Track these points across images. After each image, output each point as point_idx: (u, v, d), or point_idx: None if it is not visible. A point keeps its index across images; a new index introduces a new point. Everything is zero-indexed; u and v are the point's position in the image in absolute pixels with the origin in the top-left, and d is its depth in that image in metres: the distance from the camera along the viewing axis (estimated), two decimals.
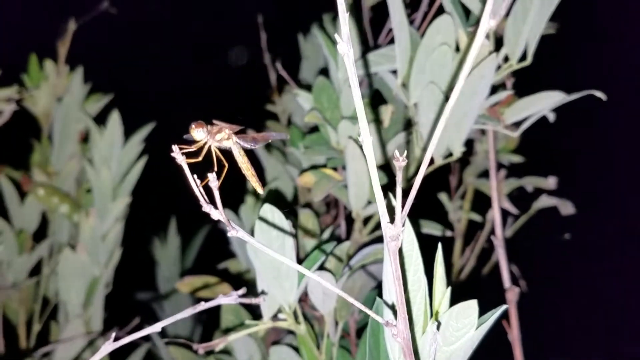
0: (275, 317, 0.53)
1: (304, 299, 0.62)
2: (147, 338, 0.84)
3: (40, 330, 0.89)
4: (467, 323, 0.39)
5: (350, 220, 0.72)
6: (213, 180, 0.30)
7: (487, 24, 0.29)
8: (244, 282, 0.83)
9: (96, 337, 0.82)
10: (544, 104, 0.61)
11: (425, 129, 0.61)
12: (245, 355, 0.66)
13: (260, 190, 0.40)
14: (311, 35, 0.94)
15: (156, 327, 0.45)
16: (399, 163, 0.30)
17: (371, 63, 0.65)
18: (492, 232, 0.77)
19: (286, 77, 0.84)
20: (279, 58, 0.96)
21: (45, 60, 0.95)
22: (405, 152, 0.64)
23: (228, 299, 0.45)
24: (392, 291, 0.32)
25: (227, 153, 0.38)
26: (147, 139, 0.90)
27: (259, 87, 0.96)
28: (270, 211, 0.48)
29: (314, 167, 0.65)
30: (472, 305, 0.39)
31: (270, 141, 0.39)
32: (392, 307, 0.38)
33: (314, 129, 0.70)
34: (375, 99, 0.70)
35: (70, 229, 0.93)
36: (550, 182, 0.80)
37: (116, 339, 0.84)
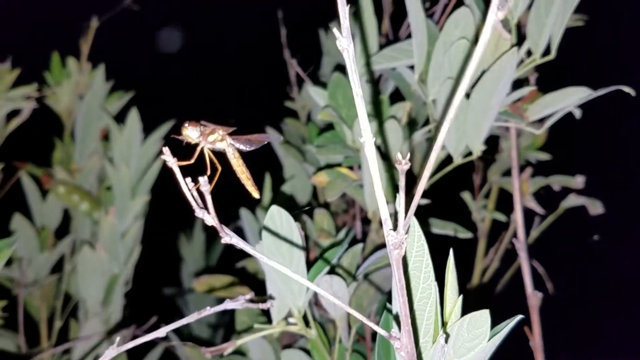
0: (285, 321, 0.51)
1: (316, 301, 0.61)
2: (165, 337, 0.84)
3: (62, 327, 0.90)
4: (479, 334, 0.37)
5: (367, 220, 0.70)
6: (205, 185, 0.28)
7: (495, 15, 0.27)
8: (260, 281, 0.82)
9: (114, 335, 0.82)
10: (569, 100, 0.58)
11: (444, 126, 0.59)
12: (259, 356, 0.64)
13: (256, 195, 0.39)
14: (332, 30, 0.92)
15: (161, 332, 0.44)
16: (402, 166, 0.28)
17: (388, 58, 0.63)
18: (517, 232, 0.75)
19: (301, 73, 0.82)
20: (299, 54, 0.94)
21: (68, 58, 0.95)
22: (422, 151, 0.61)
23: (235, 303, 0.44)
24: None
25: (222, 155, 0.37)
26: (166, 136, 0.90)
27: (279, 83, 0.94)
28: (277, 214, 0.47)
29: (329, 166, 0.64)
30: (484, 315, 0.37)
31: (265, 142, 0.38)
32: (398, 318, 0.36)
33: (330, 127, 0.69)
34: (395, 95, 0.68)
35: (93, 227, 0.93)
36: (579, 180, 0.77)
37: (133, 337, 0.84)
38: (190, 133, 0.34)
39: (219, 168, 0.36)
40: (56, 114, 0.96)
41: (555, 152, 0.79)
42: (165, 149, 0.29)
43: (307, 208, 0.74)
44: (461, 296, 0.40)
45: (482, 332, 0.38)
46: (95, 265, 0.85)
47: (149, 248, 0.92)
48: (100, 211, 0.88)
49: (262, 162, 0.95)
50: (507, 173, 0.82)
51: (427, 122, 0.65)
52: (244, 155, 0.38)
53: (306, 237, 0.66)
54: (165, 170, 0.90)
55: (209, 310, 0.44)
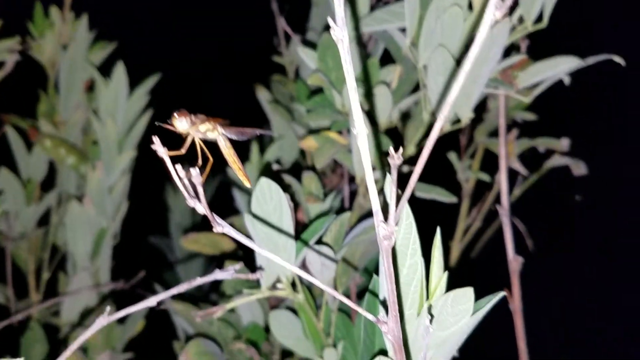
0: (273, 286, 0.53)
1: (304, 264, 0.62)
2: (153, 292, 0.86)
3: (50, 279, 0.91)
4: (463, 310, 0.39)
5: (354, 179, 0.71)
6: (197, 177, 0.28)
7: (492, 15, 0.27)
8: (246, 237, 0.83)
9: (103, 288, 0.84)
10: (559, 68, 0.58)
11: (434, 93, 0.59)
12: (249, 316, 0.66)
13: (247, 184, 0.39)
14: None
15: (151, 302, 0.45)
16: (394, 161, 0.28)
17: (379, 20, 0.62)
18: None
19: (289, 31, 0.81)
20: (287, 4, 0.92)
21: (51, 8, 0.93)
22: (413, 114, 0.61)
23: (225, 274, 0.45)
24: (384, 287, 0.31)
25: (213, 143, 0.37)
26: (152, 90, 0.89)
27: (266, 37, 0.93)
28: (267, 186, 0.47)
29: (316, 131, 0.64)
30: (468, 293, 0.39)
31: (257, 134, 0.37)
32: (384, 303, 0.37)
33: (320, 88, 0.68)
34: (384, 57, 0.68)
35: (78, 179, 0.93)
36: (563, 143, 0.77)
37: (121, 292, 0.86)
38: (180, 123, 0.33)
39: (211, 159, 0.36)
40: (40, 66, 0.94)
41: (542, 113, 0.80)
42: (155, 138, 0.29)
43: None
44: (446, 272, 0.42)
45: (466, 308, 0.39)
46: (83, 220, 0.85)
47: (136, 199, 0.92)
48: (87, 165, 0.88)
49: (250, 120, 0.94)
50: (494, 133, 0.82)
51: (417, 86, 0.65)
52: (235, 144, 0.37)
53: (294, 201, 0.67)
54: (152, 123, 0.90)
55: (199, 280, 0.45)
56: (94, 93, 0.93)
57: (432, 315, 0.40)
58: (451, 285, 0.42)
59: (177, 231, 1.18)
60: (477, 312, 0.40)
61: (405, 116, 0.66)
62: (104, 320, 0.45)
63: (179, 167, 0.29)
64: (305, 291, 0.54)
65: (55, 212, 0.93)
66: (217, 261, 0.84)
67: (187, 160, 0.37)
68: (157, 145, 0.29)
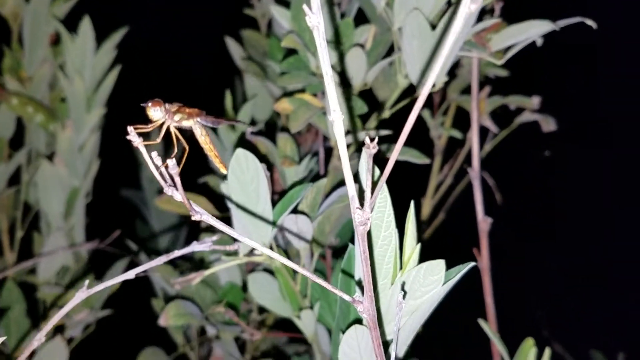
0: (251, 252, 0.54)
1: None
2: (129, 251, 0.86)
3: (24, 237, 0.90)
4: (434, 280, 0.40)
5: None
6: (173, 168, 0.29)
7: (468, 8, 0.27)
8: (221, 196, 0.83)
9: (78, 248, 0.84)
10: (532, 32, 0.58)
11: (409, 56, 0.59)
12: (226, 276, 0.67)
13: (223, 171, 0.39)
14: None
15: (130, 275, 0.45)
16: (370, 150, 0.29)
17: None
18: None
19: None
20: None
21: None
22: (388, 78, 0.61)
23: (202, 246, 0.45)
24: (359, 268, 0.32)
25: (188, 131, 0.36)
26: (119, 45, 0.87)
27: None
28: (244, 157, 0.47)
29: (291, 93, 0.63)
30: (439, 264, 0.40)
31: (234, 122, 0.37)
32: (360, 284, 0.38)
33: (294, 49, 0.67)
34: (359, 16, 0.67)
35: (47, 136, 0.91)
36: (534, 101, 0.78)
37: (97, 251, 0.85)
38: (154, 113, 0.33)
39: (187, 147, 0.36)
40: (3, 19, 0.90)
41: (514, 69, 0.80)
42: (130, 129, 0.29)
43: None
44: (419, 245, 0.43)
45: (437, 279, 0.40)
46: (55, 180, 0.84)
47: (105, 153, 0.91)
48: (56, 123, 0.86)
49: (224, 78, 0.93)
50: (467, 90, 0.83)
51: (391, 47, 0.64)
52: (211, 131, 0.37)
53: (269, 163, 0.67)
54: (121, 78, 0.88)
55: (177, 253, 0.45)
56: (59, 47, 0.90)
57: (405, 286, 0.42)
58: (423, 244, 0.44)
59: (149, 184, 1.17)
60: (447, 282, 0.41)
61: (380, 77, 0.66)
62: (83, 294, 0.45)
63: (155, 155, 0.29)
64: (282, 255, 0.55)
65: (26, 170, 0.92)
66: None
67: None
68: (133, 136, 0.29)
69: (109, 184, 0.98)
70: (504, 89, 0.83)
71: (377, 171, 0.40)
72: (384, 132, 0.63)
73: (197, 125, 0.36)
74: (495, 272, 0.64)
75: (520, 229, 1.17)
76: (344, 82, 0.63)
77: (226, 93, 0.76)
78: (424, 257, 0.87)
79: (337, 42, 0.63)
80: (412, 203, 0.42)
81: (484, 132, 0.82)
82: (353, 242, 0.45)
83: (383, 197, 0.41)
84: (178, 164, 0.29)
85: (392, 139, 0.64)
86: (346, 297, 0.32)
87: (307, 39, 0.62)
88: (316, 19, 0.28)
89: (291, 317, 0.59)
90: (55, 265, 0.83)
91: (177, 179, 0.29)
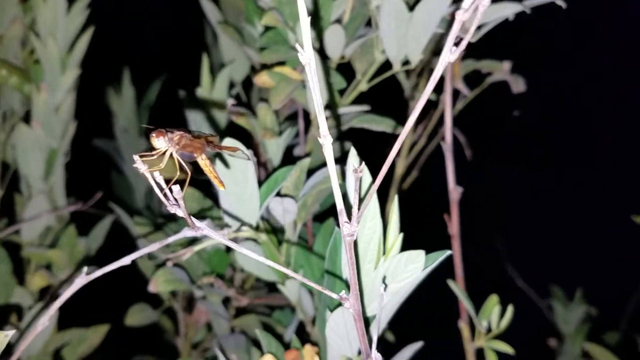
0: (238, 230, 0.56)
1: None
2: (111, 210, 0.88)
3: (5, 198, 0.91)
4: (415, 268, 0.44)
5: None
6: (178, 193, 0.31)
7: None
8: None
9: (61, 211, 0.85)
10: (504, 12, 0.60)
11: (386, 34, 0.60)
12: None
13: (222, 188, 0.41)
14: None
15: (126, 261, 0.47)
16: (357, 174, 0.31)
17: None
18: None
19: None
20: None
21: None
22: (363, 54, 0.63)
23: (193, 233, 0.48)
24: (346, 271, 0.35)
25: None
26: (92, 5, 0.85)
27: None
28: (232, 143, 0.49)
29: (267, 67, 0.64)
30: (420, 255, 0.44)
31: (235, 152, 0.39)
32: (347, 284, 0.42)
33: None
34: None
35: (22, 97, 0.91)
36: (505, 66, 0.81)
37: (79, 213, 0.87)
38: (158, 143, 0.35)
39: (189, 173, 0.38)
40: None
41: (488, 33, 0.82)
42: (136, 157, 0.31)
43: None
44: (401, 235, 0.46)
45: (417, 266, 0.44)
46: (33, 143, 0.84)
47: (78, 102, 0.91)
48: (30, 85, 0.85)
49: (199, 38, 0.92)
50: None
51: (369, 20, 0.66)
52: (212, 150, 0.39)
53: (249, 134, 0.69)
54: (94, 39, 0.87)
55: (169, 239, 0.48)
56: (28, 3, 0.88)
57: (387, 270, 0.46)
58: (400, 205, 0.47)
59: (122, 134, 1.17)
60: (427, 267, 0.45)
61: (357, 49, 0.67)
62: (83, 280, 0.48)
63: (159, 177, 0.31)
64: (267, 229, 0.59)
65: (2, 129, 0.92)
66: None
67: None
68: (139, 164, 0.31)
69: (83, 136, 0.98)
70: (477, 52, 0.85)
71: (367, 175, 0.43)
72: (363, 108, 0.65)
73: (198, 152, 0.38)
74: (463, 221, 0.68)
75: (488, 177, 1.22)
76: (323, 55, 0.65)
77: (203, 57, 0.76)
78: (400, 214, 0.91)
79: (314, 15, 0.63)
80: (396, 197, 0.45)
81: (456, 94, 0.85)
82: (335, 210, 0.48)
83: (370, 193, 0.44)
84: (181, 188, 0.31)
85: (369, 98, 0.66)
86: (334, 296, 0.36)
87: (286, 14, 0.63)
88: (307, 57, 0.30)
89: (276, 282, 0.63)
90: (39, 227, 0.85)
91: (182, 203, 0.31)
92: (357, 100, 0.67)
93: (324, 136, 0.31)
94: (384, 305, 0.40)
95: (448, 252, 0.45)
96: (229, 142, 0.49)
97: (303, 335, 0.65)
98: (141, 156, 0.31)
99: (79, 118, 0.90)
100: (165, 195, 0.32)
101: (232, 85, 0.80)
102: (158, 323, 0.94)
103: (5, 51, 0.88)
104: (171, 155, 0.35)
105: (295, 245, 0.61)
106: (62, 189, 0.89)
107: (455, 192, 0.66)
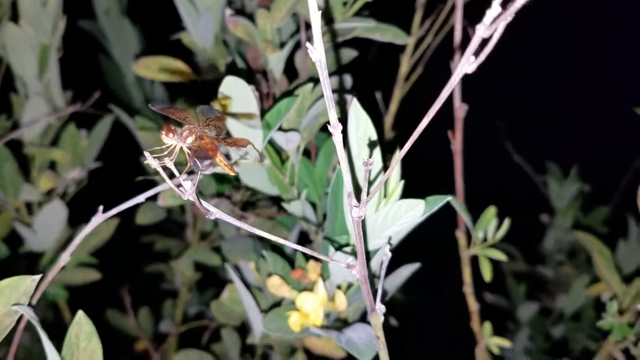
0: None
1: None
2: (109, 110, 0.87)
3: (2, 99, 0.89)
4: (414, 214, 0.45)
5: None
6: (190, 188, 0.31)
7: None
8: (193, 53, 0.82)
9: (60, 113, 0.84)
10: None
11: None
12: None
13: (232, 174, 0.40)
14: None
15: (140, 199, 0.48)
16: (367, 167, 0.31)
17: None
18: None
19: None
20: None
21: None
22: None
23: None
24: (356, 242, 0.36)
25: None
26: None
27: None
28: (233, 82, 0.48)
29: None
30: (419, 203, 0.45)
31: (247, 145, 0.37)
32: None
33: None
34: None
35: None
36: None
37: (79, 114, 0.86)
38: (168, 140, 0.33)
39: (201, 167, 0.37)
40: None
41: None
42: (147, 154, 0.30)
43: None
44: (402, 181, 0.47)
45: (417, 212, 0.45)
46: (24, 41, 0.81)
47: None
48: None
49: None
50: None
51: None
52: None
53: (249, 45, 0.66)
54: None
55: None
56: None
57: (388, 214, 0.47)
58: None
59: (105, 17, 1.11)
60: (426, 212, 0.46)
61: None
62: (99, 218, 0.49)
63: (170, 164, 0.31)
64: (272, 154, 0.59)
65: None
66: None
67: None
68: (150, 160, 0.30)
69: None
70: None
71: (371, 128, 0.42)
72: (366, 22, 0.62)
73: (212, 154, 0.36)
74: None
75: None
76: None
77: None
78: (401, 113, 0.91)
79: None
80: (397, 149, 0.45)
81: None
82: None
83: (376, 149, 0.44)
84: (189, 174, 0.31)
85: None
86: (342, 264, 0.37)
87: None
88: (317, 54, 0.28)
89: (280, 196, 0.65)
90: (39, 126, 0.84)
91: (194, 197, 0.31)
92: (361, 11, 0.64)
93: (333, 126, 0.31)
94: (385, 265, 0.41)
95: (448, 198, 0.46)
96: (229, 80, 0.47)
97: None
98: (151, 153, 0.31)
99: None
100: (179, 188, 0.32)
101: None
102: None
103: None
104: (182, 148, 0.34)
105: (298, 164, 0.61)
106: (58, 85, 0.87)
107: (460, 110, 0.65)
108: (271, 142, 0.61)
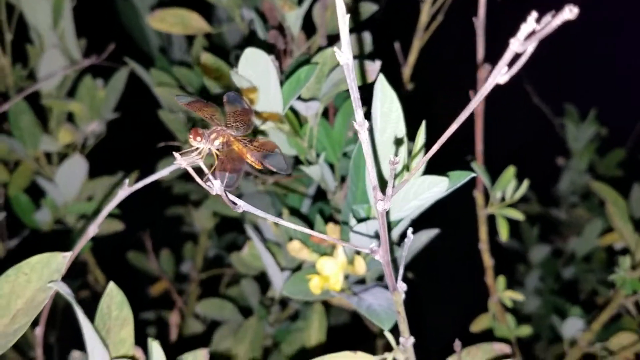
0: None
1: None
2: (124, 63, 0.86)
3: (15, 44, 0.89)
4: (438, 190, 0.46)
5: None
6: (219, 187, 0.31)
7: None
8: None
9: (77, 66, 0.84)
10: None
11: None
12: None
13: (258, 167, 0.39)
14: None
15: (164, 173, 0.49)
16: (393, 166, 0.31)
17: None
18: None
19: None
20: None
21: None
22: None
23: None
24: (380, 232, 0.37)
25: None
26: None
27: None
28: (253, 54, 0.47)
29: None
30: (443, 180, 0.45)
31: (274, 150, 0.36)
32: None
33: None
34: None
35: None
36: None
37: (96, 67, 0.86)
38: (196, 143, 0.33)
39: (228, 167, 0.36)
40: None
41: None
42: (177, 154, 0.31)
43: None
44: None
45: (440, 188, 0.46)
46: None
47: None
48: None
49: None
50: None
51: None
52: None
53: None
54: None
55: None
56: None
57: (411, 188, 0.47)
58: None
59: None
60: (449, 189, 0.46)
61: None
62: (125, 191, 0.50)
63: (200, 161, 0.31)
64: (291, 118, 0.59)
65: None
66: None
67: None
68: (180, 161, 0.31)
69: None
70: None
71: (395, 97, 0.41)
72: None
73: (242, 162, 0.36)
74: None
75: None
76: None
77: None
78: (422, 60, 0.88)
79: None
80: (423, 124, 0.45)
81: None
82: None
83: (400, 125, 0.44)
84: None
85: None
86: (365, 250, 0.38)
87: None
88: (345, 57, 0.28)
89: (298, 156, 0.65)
90: (55, 79, 0.84)
91: (222, 192, 0.32)
92: None
93: (359, 125, 0.31)
94: (407, 248, 0.42)
95: (471, 175, 0.46)
96: (249, 52, 0.47)
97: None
98: (181, 154, 0.32)
99: None
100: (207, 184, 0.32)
101: None
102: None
103: None
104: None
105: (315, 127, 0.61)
106: (73, 36, 0.86)
107: (483, 70, 0.64)
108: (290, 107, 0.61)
